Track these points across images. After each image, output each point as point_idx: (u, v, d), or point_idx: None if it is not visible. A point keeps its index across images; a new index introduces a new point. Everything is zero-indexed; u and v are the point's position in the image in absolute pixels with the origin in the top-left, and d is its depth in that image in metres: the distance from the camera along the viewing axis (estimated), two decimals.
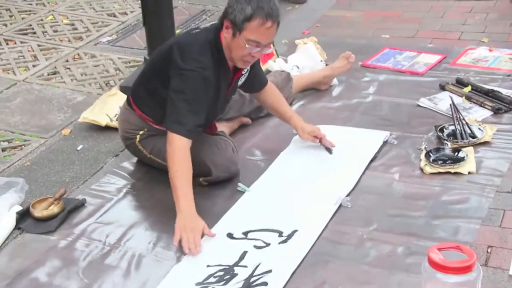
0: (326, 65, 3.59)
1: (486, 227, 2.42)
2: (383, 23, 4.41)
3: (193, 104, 2.51)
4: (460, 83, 3.42)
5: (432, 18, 4.41)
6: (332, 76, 3.51)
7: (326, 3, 4.81)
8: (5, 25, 4.53)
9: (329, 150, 2.93)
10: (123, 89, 3.44)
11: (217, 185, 2.76)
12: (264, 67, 3.59)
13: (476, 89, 3.33)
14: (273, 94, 2.96)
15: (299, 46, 3.77)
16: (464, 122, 3.01)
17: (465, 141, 2.92)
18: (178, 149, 2.47)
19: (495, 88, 3.32)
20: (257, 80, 2.89)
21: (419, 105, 3.29)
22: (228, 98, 2.82)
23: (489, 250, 2.31)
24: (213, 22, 2.67)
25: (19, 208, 2.65)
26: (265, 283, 2.20)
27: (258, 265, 2.29)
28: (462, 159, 2.78)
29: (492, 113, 3.16)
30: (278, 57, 3.84)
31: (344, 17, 4.55)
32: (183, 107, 2.50)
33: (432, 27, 4.27)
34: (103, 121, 3.23)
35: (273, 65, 3.63)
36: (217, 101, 2.69)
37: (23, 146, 3.19)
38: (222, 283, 2.22)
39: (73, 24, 4.55)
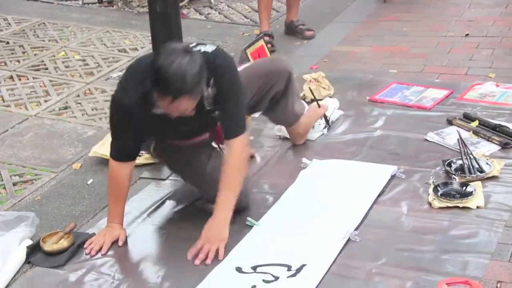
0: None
1: (495, 262, 2.42)
2: (390, 58, 4.45)
3: (114, 130, 2.62)
4: (468, 117, 3.44)
5: (439, 54, 4.44)
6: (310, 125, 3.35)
7: (333, 39, 4.86)
8: (18, 61, 4.61)
9: None
10: None
11: None
12: None
13: (483, 124, 3.35)
14: (226, 161, 2.58)
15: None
16: (472, 157, 3.02)
17: (473, 175, 2.92)
18: (111, 168, 2.66)
19: (503, 123, 3.33)
20: (225, 124, 2.61)
21: (426, 140, 3.30)
22: (196, 120, 2.54)
23: (498, 285, 2.30)
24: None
25: (30, 242, 2.67)
26: None
27: None
28: (470, 193, 2.79)
29: (499, 147, 3.17)
30: None
31: (352, 53, 4.60)
32: (111, 133, 2.65)
33: (439, 63, 4.30)
34: None
35: None
36: (171, 124, 2.50)
37: (34, 181, 3.22)
38: None
39: (84, 60, 4.62)
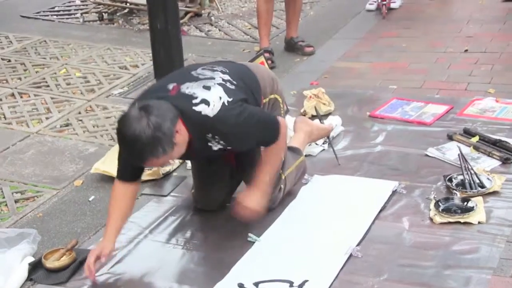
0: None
1: (497, 278, 2.42)
2: (390, 74, 4.47)
3: (119, 153, 2.62)
4: (468, 133, 3.45)
5: (439, 69, 4.46)
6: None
7: (334, 55, 4.88)
8: (20, 78, 4.62)
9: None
10: None
11: (227, 235, 2.78)
12: None
13: (483, 139, 3.36)
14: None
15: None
16: (472, 172, 3.02)
17: (474, 190, 2.93)
18: (115, 189, 2.67)
19: (503, 138, 3.34)
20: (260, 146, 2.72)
21: (427, 155, 3.31)
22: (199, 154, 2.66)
23: None
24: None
25: (32, 259, 2.67)
26: None
27: None
28: (471, 208, 2.79)
29: (500, 163, 3.18)
30: (287, 108, 3.89)
31: (352, 69, 4.61)
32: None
33: (439, 78, 4.32)
34: (115, 172, 3.26)
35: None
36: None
37: (35, 197, 3.22)
38: None
39: (85, 77, 4.64)
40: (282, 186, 2.93)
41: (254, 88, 2.71)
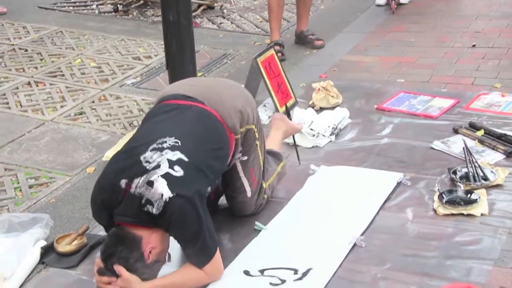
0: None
1: (499, 269, 2.46)
2: (398, 68, 4.50)
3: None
4: (473, 127, 3.49)
5: (446, 64, 4.49)
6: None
7: (343, 49, 4.92)
8: (36, 68, 4.70)
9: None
10: None
11: (234, 223, 2.84)
12: (282, 109, 3.70)
13: (488, 133, 3.39)
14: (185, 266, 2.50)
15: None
16: (476, 165, 3.06)
17: (478, 183, 2.97)
18: None
19: (508, 132, 3.38)
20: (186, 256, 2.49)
21: (432, 148, 3.35)
22: None
23: None
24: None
25: (44, 243, 2.74)
26: None
27: None
28: (474, 201, 2.83)
29: (504, 156, 3.21)
30: (296, 100, 3.95)
31: (360, 62, 4.65)
32: None
33: (446, 73, 4.34)
34: None
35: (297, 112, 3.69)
36: None
37: (49, 184, 3.29)
38: None
39: (100, 67, 4.71)
40: (265, 196, 2.88)
41: (216, 140, 2.53)
